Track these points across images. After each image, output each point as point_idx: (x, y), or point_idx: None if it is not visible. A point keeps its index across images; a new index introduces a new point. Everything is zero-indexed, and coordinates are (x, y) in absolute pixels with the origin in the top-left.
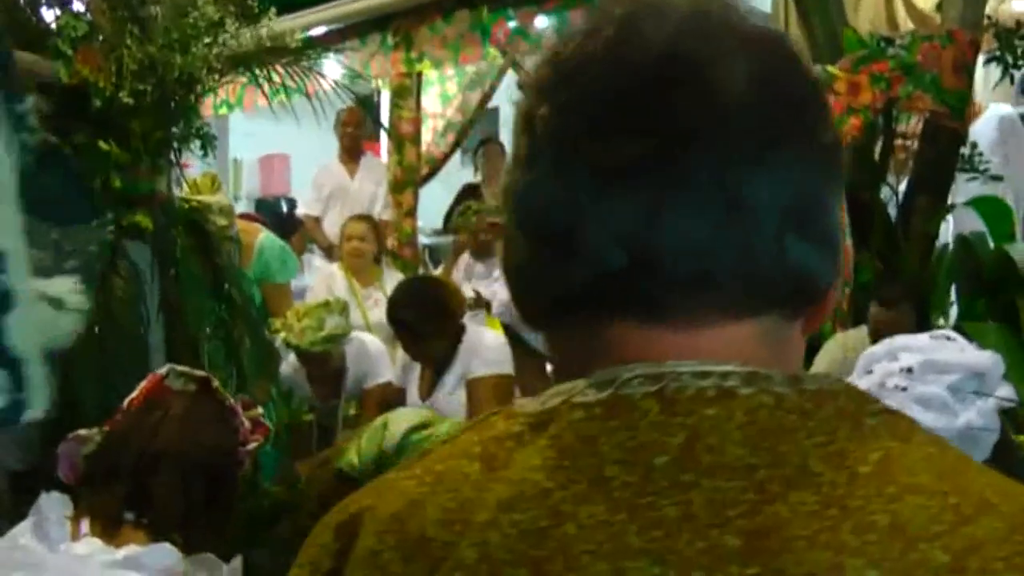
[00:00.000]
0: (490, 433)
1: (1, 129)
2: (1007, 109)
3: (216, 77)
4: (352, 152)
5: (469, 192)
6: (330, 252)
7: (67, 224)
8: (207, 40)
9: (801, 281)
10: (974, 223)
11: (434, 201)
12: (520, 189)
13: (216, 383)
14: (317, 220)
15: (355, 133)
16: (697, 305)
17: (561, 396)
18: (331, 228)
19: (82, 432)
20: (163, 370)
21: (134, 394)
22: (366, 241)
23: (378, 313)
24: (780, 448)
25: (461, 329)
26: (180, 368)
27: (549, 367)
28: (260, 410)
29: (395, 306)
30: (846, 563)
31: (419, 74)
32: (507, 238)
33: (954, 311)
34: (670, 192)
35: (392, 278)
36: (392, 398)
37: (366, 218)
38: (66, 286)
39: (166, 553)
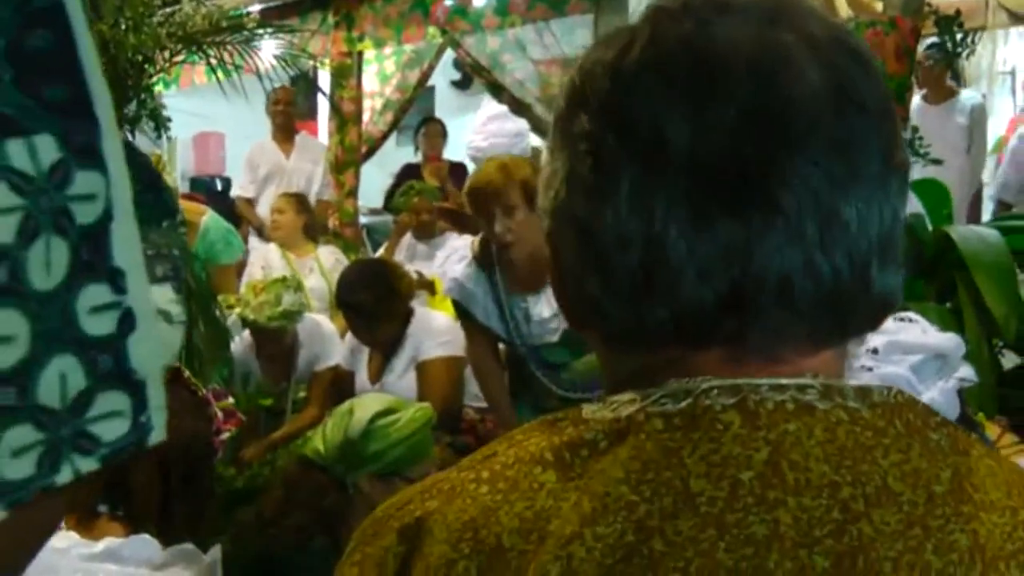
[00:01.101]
0: (560, 439)
1: (116, 135)
2: (978, 98)
3: (167, 56)
4: (285, 131)
5: (410, 172)
6: (261, 231)
7: (142, 225)
8: (159, 18)
9: (883, 308)
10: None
11: (371, 180)
12: (587, 217)
13: (187, 373)
14: (250, 202)
15: (287, 111)
16: (783, 341)
17: (634, 405)
18: (267, 208)
19: None
20: None
21: None
22: (285, 214)
23: (313, 280)
24: (860, 466)
25: (410, 312)
26: None
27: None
28: (231, 400)
29: (347, 289)
30: None
31: (360, 53)
32: (564, 261)
33: None
34: (761, 227)
35: (326, 251)
36: (341, 381)
37: (291, 194)
38: (166, 296)
39: (145, 545)
